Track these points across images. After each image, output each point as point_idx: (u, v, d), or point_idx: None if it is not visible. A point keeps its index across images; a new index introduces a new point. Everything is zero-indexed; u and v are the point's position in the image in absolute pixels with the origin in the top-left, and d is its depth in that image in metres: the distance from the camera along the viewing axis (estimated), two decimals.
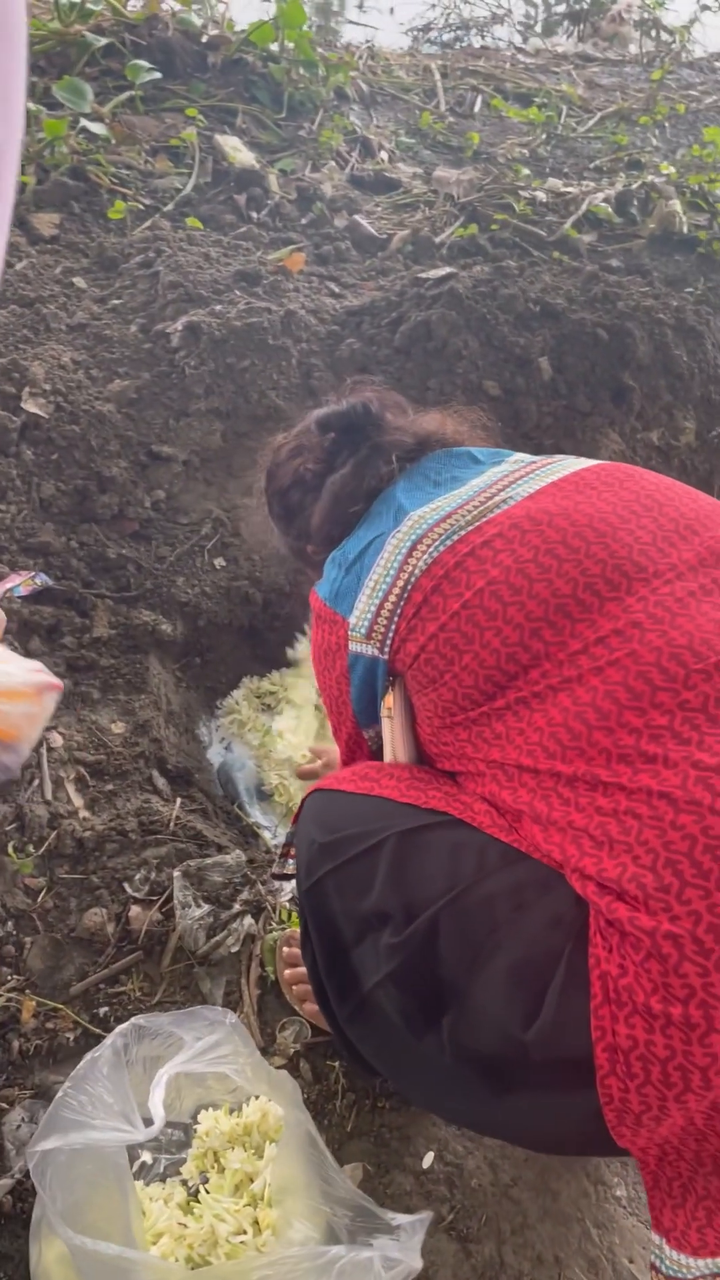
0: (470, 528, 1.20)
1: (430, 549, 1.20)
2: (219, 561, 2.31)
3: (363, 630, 1.25)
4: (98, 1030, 1.49)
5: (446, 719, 1.16)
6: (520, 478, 1.26)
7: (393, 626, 1.22)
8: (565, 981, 0.95)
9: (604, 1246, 1.43)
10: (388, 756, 1.28)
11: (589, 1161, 1.49)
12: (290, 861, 1.40)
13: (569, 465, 1.28)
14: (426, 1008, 1.06)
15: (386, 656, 1.24)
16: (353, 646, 1.27)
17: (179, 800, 1.86)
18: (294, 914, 1.67)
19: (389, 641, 1.23)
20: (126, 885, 1.67)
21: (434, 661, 1.17)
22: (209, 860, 1.71)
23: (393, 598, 1.22)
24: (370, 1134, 1.45)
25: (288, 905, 1.69)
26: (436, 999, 1.05)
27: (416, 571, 1.20)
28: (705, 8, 6.53)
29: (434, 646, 1.16)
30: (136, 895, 1.66)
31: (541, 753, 1.04)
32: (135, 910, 1.64)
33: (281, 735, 2.23)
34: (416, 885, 1.07)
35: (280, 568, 2.34)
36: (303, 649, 2.38)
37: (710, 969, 0.86)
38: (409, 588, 1.20)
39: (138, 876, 1.69)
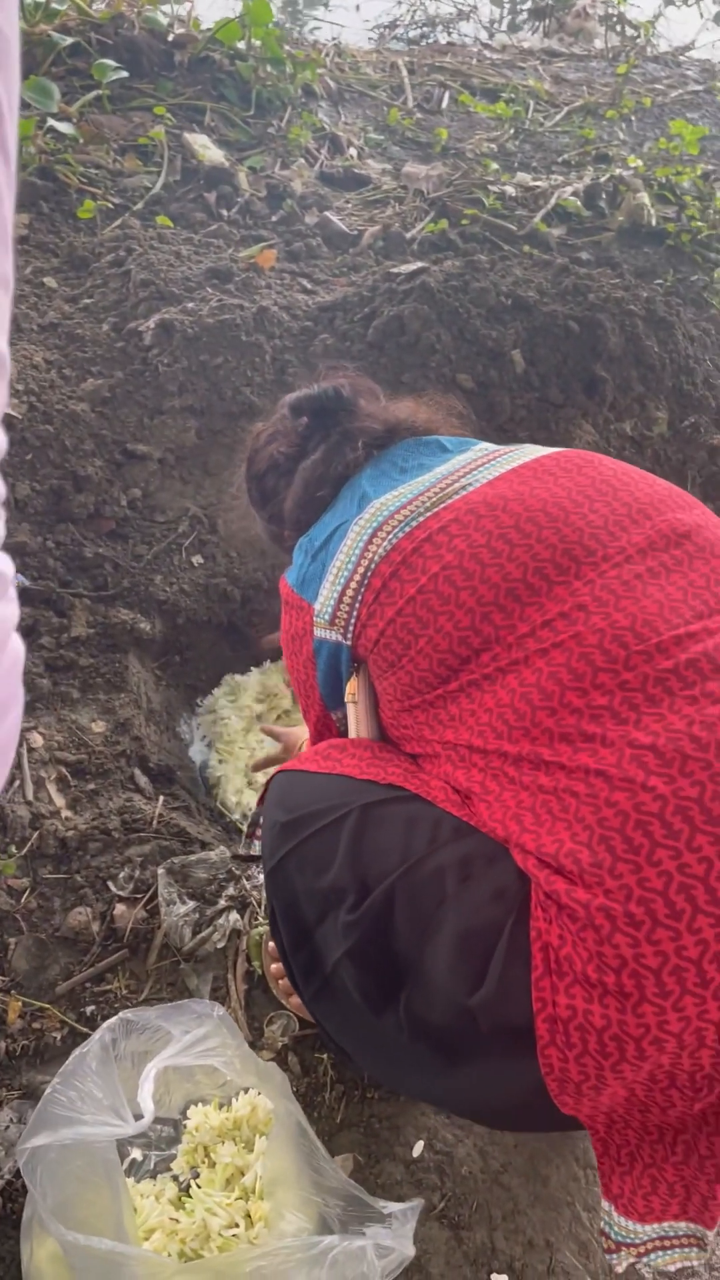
0: (429, 513, 1.21)
1: (390, 535, 1.22)
2: (197, 559, 2.30)
3: (326, 616, 1.27)
4: (84, 1029, 1.49)
5: (405, 702, 1.18)
6: (481, 465, 1.28)
7: (354, 612, 1.24)
8: (508, 952, 0.97)
9: (594, 1230, 1.44)
10: (351, 733, 1.30)
11: (577, 1146, 1.50)
12: (256, 844, 1.41)
13: (529, 452, 1.30)
14: (384, 984, 1.07)
15: (349, 642, 1.26)
16: (317, 632, 1.29)
17: (161, 798, 1.85)
18: None
19: (351, 627, 1.25)
20: (110, 884, 1.67)
21: (392, 645, 1.18)
22: (193, 857, 1.70)
23: (354, 584, 1.23)
24: (360, 1124, 1.45)
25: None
26: (394, 975, 1.06)
27: (376, 558, 1.22)
28: (669, 2, 6.58)
29: (392, 631, 1.18)
30: (121, 893, 1.66)
31: (490, 733, 1.06)
32: (120, 908, 1.64)
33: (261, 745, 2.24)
34: (372, 860, 1.08)
35: (258, 563, 2.34)
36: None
37: (641, 940, 0.88)
38: (369, 574, 1.22)
39: (122, 875, 1.68)
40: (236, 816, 2.08)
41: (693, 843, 0.89)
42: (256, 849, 1.42)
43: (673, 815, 0.91)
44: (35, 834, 1.70)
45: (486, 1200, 1.41)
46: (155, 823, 1.78)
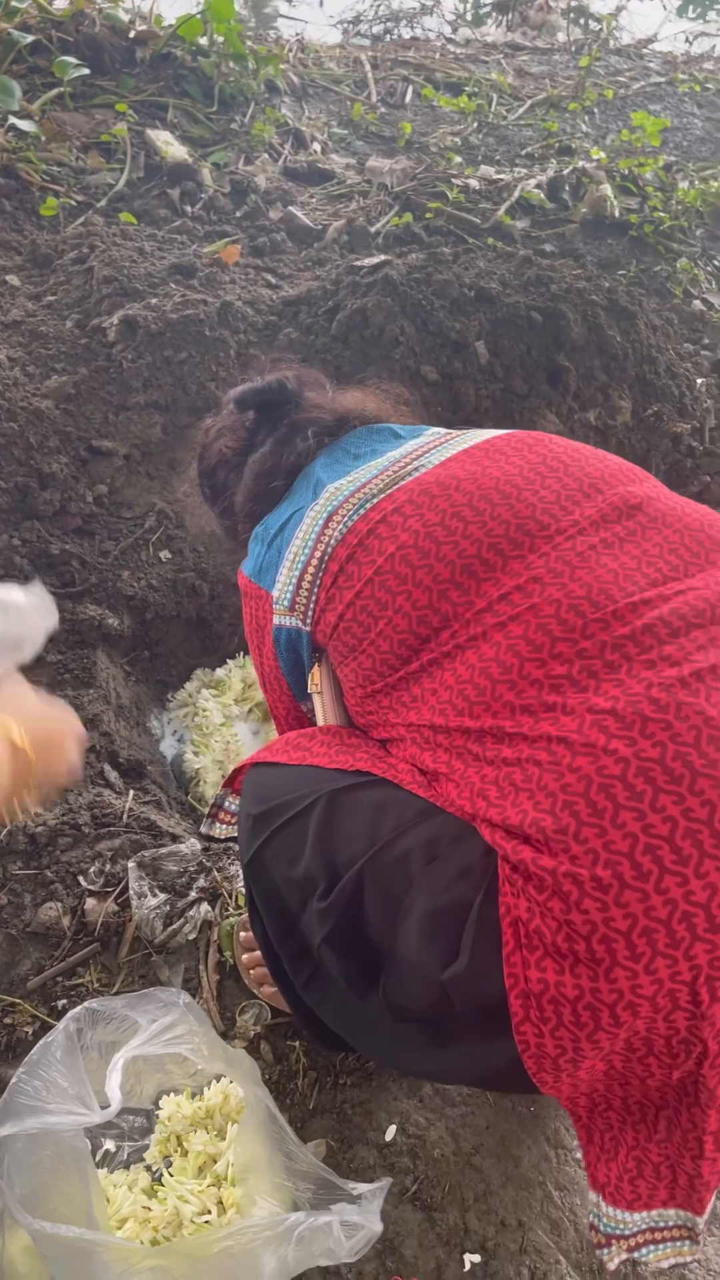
0: (383, 495, 1.22)
1: (345, 519, 1.23)
2: (164, 554, 2.30)
3: (285, 602, 1.26)
4: (56, 1023, 1.48)
5: (368, 687, 1.18)
6: (433, 447, 1.28)
7: (313, 596, 1.24)
8: (477, 930, 0.97)
9: (566, 1208, 1.45)
10: (318, 721, 1.30)
11: (548, 1127, 1.52)
12: (219, 824, 1.41)
13: (480, 434, 1.30)
14: (365, 969, 1.08)
15: (309, 628, 1.26)
16: (277, 619, 1.29)
17: (132, 792, 1.86)
18: None
19: (310, 612, 1.25)
20: (81, 878, 1.67)
21: (352, 629, 1.19)
22: (164, 850, 1.71)
23: (311, 569, 1.23)
24: (333, 1110, 1.46)
25: (243, 891, 1.69)
26: (372, 959, 1.07)
27: (333, 541, 1.22)
28: None
29: (351, 614, 1.19)
30: (91, 888, 1.66)
31: (451, 710, 1.06)
32: (91, 903, 1.64)
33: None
34: (340, 846, 1.08)
35: (227, 558, 2.34)
36: None
37: (609, 903, 0.88)
38: (326, 558, 1.22)
39: (92, 869, 1.68)
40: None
41: (656, 803, 0.90)
42: (218, 830, 1.42)
43: (635, 777, 0.91)
44: (4, 830, 1.69)
45: (459, 1182, 1.43)
46: (125, 817, 1.78)
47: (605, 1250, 1.06)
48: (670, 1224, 1.05)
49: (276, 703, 1.40)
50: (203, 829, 1.45)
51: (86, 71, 3.40)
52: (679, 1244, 1.06)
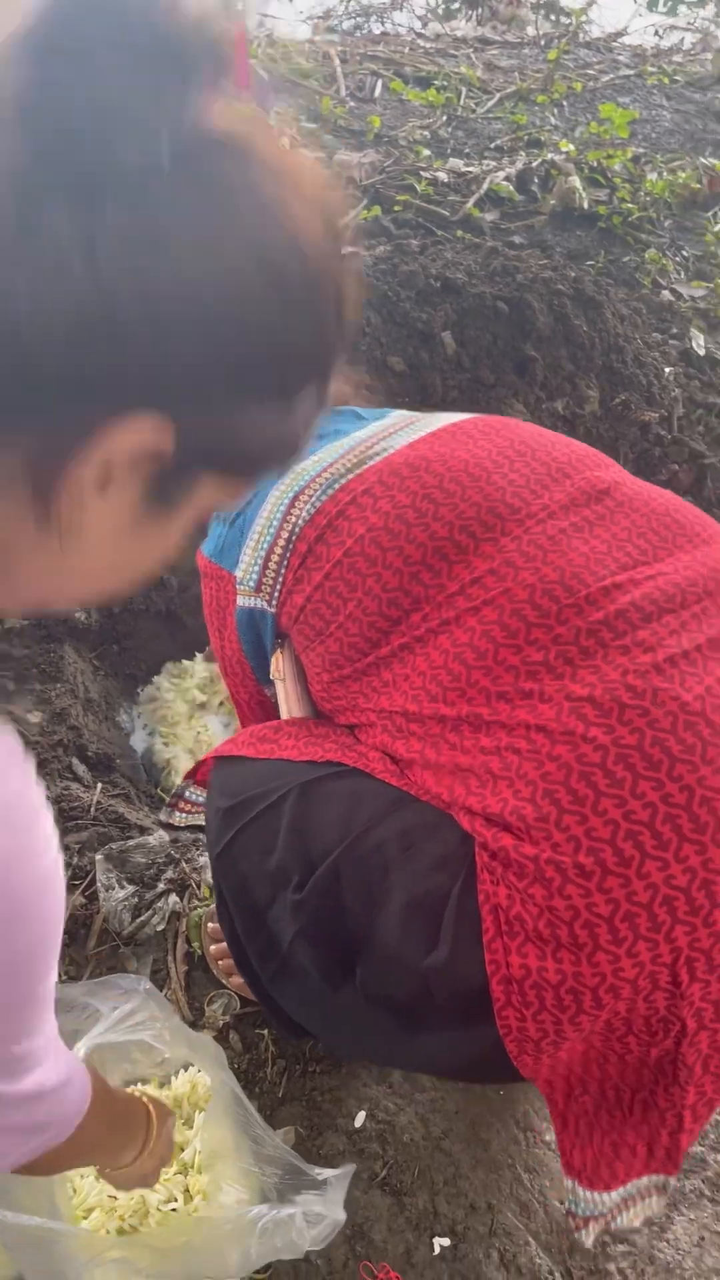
0: (351, 474, 1.21)
1: (312, 499, 1.21)
2: None
3: (251, 583, 1.25)
4: None
5: (336, 672, 1.17)
6: (399, 429, 1.27)
7: (280, 578, 1.22)
8: (456, 918, 0.97)
9: (535, 1190, 1.45)
10: (282, 711, 1.28)
11: (517, 1110, 1.52)
12: (178, 813, 1.40)
13: (446, 418, 1.30)
14: (341, 959, 1.07)
15: (274, 610, 1.24)
16: (241, 600, 1.27)
17: (100, 785, 1.85)
18: None
19: (276, 594, 1.23)
20: None
21: (320, 612, 1.17)
22: (131, 842, 1.70)
23: (278, 550, 1.22)
24: (302, 1098, 1.46)
25: (211, 882, 1.69)
26: (348, 950, 1.06)
27: (300, 522, 1.21)
28: None
29: (320, 596, 1.17)
30: None
31: (425, 696, 1.05)
32: None
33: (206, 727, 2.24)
34: (314, 837, 1.08)
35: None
36: None
37: (592, 889, 0.89)
38: (294, 538, 1.21)
39: None
40: None
41: (636, 789, 0.91)
42: (177, 818, 1.42)
43: (614, 764, 0.91)
44: None
45: (428, 1166, 1.43)
46: (93, 810, 1.78)
47: (583, 1231, 1.07)
48: (642, 1188, 1.06)
49: (239, 688, 1.39)
50: (162, 816, 1.44)
51: None
52: (648, 1201, 1.07)
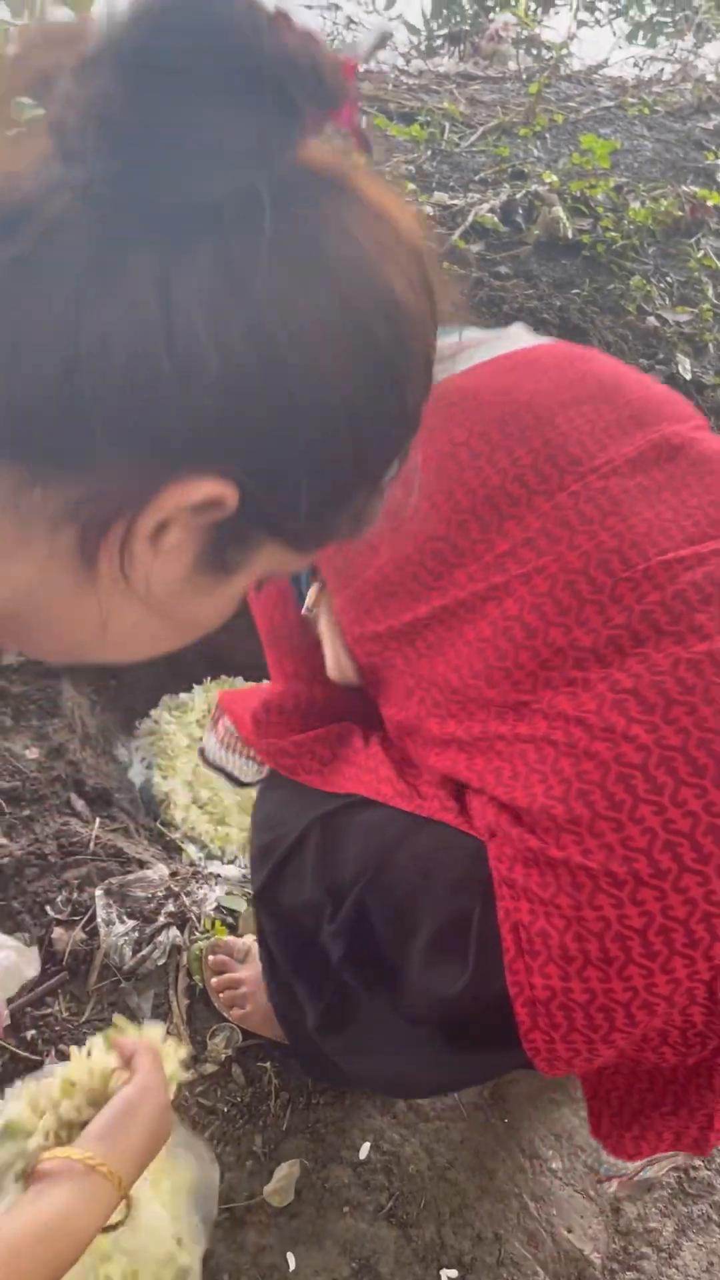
0: None
1: None
2: None
3: None
4: (25, 1054, 1.48)
5: (370, 625, 1.05)
6: (464, 349, 1.13)
7: None
8: (478, 940, 0.94)
9: (542, 1219, 1.45)
10: (329, 659, 1.18)
11: (522, 1138, 1.51)
12: (215, 742, 1.46)
13: (516, 338, 1.15)
14: (384, 979, 1.06)
15: None
16: None
17: (99, 820, 1.85)
18: (218, 922, 1.68)
19: None
20: (48, 908, 1.66)
21: (355, 549, 1.05)
22: (131, 876, 1.71)
23: None
24: (306, 1130, 1.46)
25: (212, 914, 1.69)
26: (390, 976, 1.05)
27: None
28: (582, 24, 6.73)
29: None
30: (59, 917, 1.65)
31: (469, 671, 0.97)
32: (58, 932, 1.63)
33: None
34: (338, 871, 1.07)
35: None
36: None
37: (625, 900, 0.84)
38: None
39: (59, 898, 1.68)
40: (179, 835, 2.08)
41: (677, 796, 0.84)
42: (212, 743, 1.48)
43: (656, 768, 0.85)
44: None
45: (434, 1197, 1.42)
46: (92, 845, 1.78)
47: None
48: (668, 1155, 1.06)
49: (273, 612, 1.27)
50: (202, 744, 1.47)
51: None
52: (675, 1157, 1.06)
